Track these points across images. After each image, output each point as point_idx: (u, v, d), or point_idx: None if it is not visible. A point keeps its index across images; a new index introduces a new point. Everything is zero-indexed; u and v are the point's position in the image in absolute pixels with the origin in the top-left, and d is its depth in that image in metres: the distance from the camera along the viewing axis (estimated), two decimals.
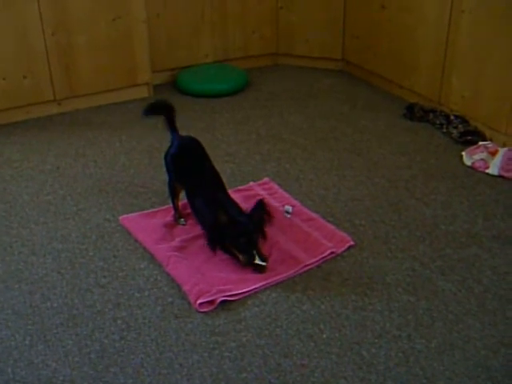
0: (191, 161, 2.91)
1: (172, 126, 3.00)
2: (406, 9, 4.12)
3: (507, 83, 3.49)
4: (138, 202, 3.16)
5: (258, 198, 2.78)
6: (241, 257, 2.62)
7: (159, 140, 3.68)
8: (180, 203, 3.00)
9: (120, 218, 3.01)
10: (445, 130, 3.83)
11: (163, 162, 3.00)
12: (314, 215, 3.00)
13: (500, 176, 3.37)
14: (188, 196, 2.90)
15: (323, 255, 2.71)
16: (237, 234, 2.59)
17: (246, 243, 2.59)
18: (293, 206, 3.04)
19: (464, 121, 3.79)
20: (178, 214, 2.96)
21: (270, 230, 2.76)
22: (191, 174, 2.87)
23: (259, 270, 2.61)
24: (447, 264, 2.70)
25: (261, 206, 2.64)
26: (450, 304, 2.46)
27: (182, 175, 2.90)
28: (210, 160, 2.94)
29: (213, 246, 2.70)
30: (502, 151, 3.44)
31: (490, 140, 3.65)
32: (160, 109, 3.02)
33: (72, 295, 2.52)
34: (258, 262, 2.60)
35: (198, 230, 2.89)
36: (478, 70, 3.69)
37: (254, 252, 2.60)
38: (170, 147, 2.97)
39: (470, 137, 3.68)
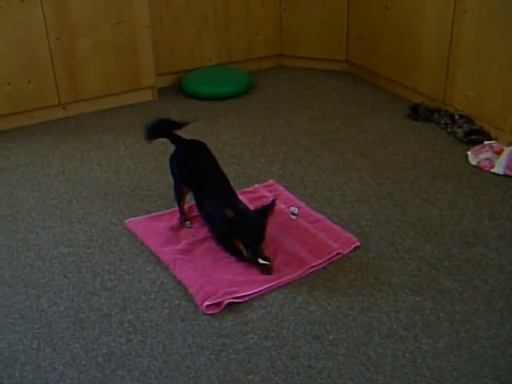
0: (197, 163, 2.91)
1: (173, 136, 3.01)
2: (410, 9, 4.12)
3: None
4: (144, 205, 3.16)
5: (269, 199, 2.81)
6: (245, 251, 2.62)
7: (164, 143, 3.67)
8: (186, 206, 3.00)
9: (126, 221, 3.01)
10: (450, 130, 3.83)
11: (168, 165, 3.01)
12: (319, 216, 3.00)
13: (506, 175, 3.36)
14: (196, 199, 2.91)
15: (329, 256, 2.71)
16: (246, 228, 2.60)
17: (254, 238, 2.60)
18: (298, 208, 3.04)
19: (469, 120, 3.79)
20: (184, 217, 2.97)
21: (275, 232, 2.76)
22: (198, 177, 2.88)
23: (266, 271, 2.61)
24: (454, 264, 2.69)
25: (272, 205, 2.66)
26: (457, 304, 2.46)
27: (189, 178, 2.91)
28: (217, 162, 2.94)
29: (219, 241, 2.76)
30: (507, 150, 3.43)
31: (496, 139, 3.64)
32: (161, 131, 3.04)
33: (78, 299, 2.53)
34: (261, 261, 2.62)
35: (203, 232, 2.89)
36: (482, 69, 3.68)
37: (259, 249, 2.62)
38: (175, 151, 2.98)
39: (475, 136, 3.68)
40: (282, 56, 5.03)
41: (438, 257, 2.74)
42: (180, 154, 2.95)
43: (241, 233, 2.61)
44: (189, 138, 3.04)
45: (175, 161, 2.95)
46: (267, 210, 2.65)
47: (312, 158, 3.60)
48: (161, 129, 3.02)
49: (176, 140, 3.00)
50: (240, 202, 2.79)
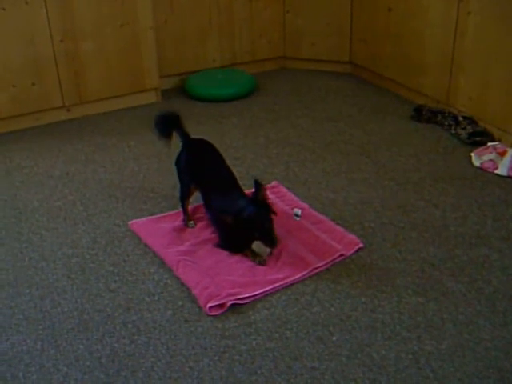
0: (208, 162, 2.92)
1: (182, 132, 3.01)
2: (413, 11, 4.12)
3: None
4: (147, 206, 3.17)
5: (271, 200, 2.82)
6: (252, 257, 2.71)
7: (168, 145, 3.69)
8: (190, 207, 3.01)
9: (129, 222, 3.02)
10: (453, 132, 3.83)
11: (174, 166, 3.01)
12: (323, 218, 3.00)
13: (509, 176, 3.35)
14: (204, 198, 2.91)
15: (332, 258, 2.71)
16: (251, 229, 2.65)
17: (263, 232, 2.65)
18: (302, 209, 3.04)
19: (472, 122, 3.79)
20: (188, 217, 2.97)
21: (278, 233, 2.76)
22: (208, 176, 2.88)
23: (260, 261, 2.70)
24: (457, 265, 2.69)
25: (257, 187, 2.68)
26: (460, 305, 2.46)
27: (199, 177, 2.91)
28: (225, 160, 2.96)
29: (223, 244, 2.79)
30: (510, 152, 3.42)
31: (499, 140, 3.64)
32: (170, 124, 3.03)
33: (82, 300, 2.54)
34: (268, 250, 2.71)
35: (207, 233, 2.90)
36: (486, 71, 3.68)
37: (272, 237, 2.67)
38: (183, 150, 2.98)
39: (479, 138, 3.68)
40: (286, 58, 5.04)
41: (441, 258, 2.74)
42: (189, 152, 2.95)
43: (253, 233, 2.67)
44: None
45: (184, 159, 2.95)
46: (260, 196, 2.67)
47: (315, 160, 3.61)
48: (169, 122, 3.02)
49: (184, 137, 3.00)
50: (244, 200, 2.77)
